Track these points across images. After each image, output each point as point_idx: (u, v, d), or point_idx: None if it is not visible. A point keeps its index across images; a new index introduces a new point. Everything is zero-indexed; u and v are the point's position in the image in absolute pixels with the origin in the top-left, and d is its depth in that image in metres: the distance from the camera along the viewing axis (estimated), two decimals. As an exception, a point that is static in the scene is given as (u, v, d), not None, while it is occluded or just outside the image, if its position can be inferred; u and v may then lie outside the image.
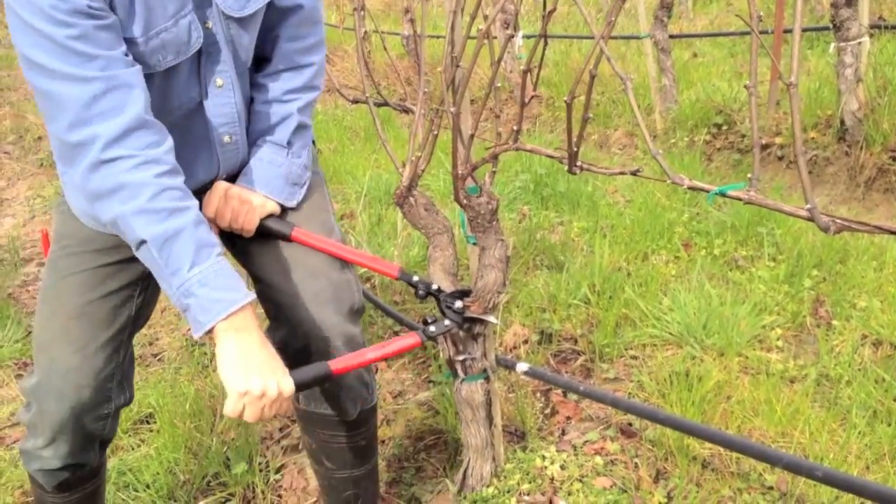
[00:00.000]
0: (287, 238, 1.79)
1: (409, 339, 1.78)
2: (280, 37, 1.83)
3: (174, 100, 1.65)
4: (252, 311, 1.54)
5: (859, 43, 4.23)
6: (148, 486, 2.47)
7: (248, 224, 1.78)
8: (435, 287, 1.88)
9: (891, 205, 4.09)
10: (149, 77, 1.55)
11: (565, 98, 1.55)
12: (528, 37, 6.64)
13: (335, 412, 1.88)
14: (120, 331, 1.77)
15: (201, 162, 1.75)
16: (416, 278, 1.88)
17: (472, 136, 1.81)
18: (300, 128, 1.85)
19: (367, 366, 1.79)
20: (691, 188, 1.56)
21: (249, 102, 1.84)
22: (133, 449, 2.71)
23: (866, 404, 2.47)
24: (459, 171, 1.83)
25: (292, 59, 1.86)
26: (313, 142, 2.01)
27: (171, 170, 1.51)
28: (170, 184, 1.49)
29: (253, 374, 1.49)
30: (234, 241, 1.86)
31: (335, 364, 1.65)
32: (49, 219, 5.26)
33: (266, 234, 1.81)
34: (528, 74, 1.72)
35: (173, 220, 1.47)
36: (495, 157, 1.85)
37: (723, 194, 1.52)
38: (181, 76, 1.64)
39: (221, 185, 1.79)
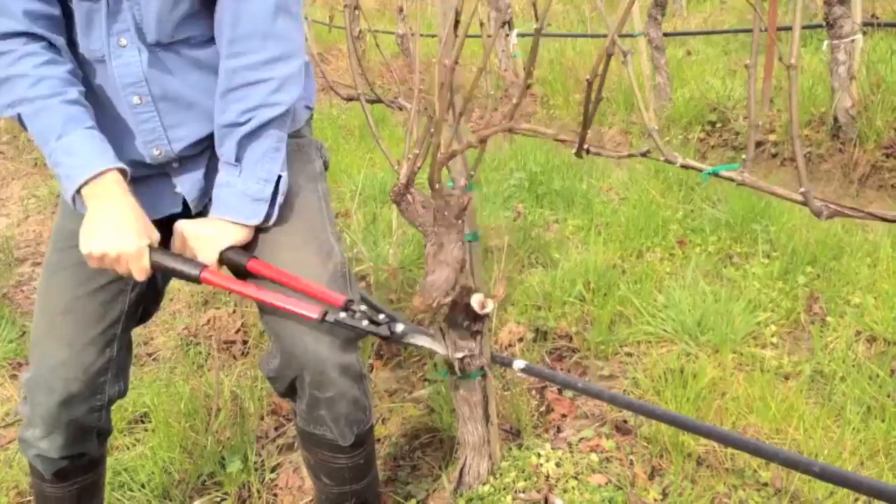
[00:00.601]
0: (244, 270, 1.71)
1: (312, 307, 1.66)
2: (222, 52, 1.68)
3: (93, 41, 1.64)
4: (117, 178, 1.59)
5: (852, 40, 4.25)
6: (143, 486, 2.47)
7: (207, 259, 1.70)
8: (381, 316, 1.75)
9: (884, 201, 4.10)
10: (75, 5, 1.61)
11: (587, 77, 1.52)
12: (522, 35, 6.65)
13: (334, 436, 1.84)
14: (111, 325, 1.77)
15: (121, 130, 1.71)
16: (363, 307, 1.73)
17: (461, 115, 1.76)
18: (246, 138, 1.70)
19: (345, 370, 1.73)
20: (684, 167, 1.56)
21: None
22: (128, 448, 2.71)
23: (860, 400, 2.48)
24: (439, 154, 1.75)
25: (241, 76, 1.66)
26: (320, 150, 1.97)
27: (50, 60, 1.59)
28: (48, 73, 1.58)
29: (97, 237, 1.57)
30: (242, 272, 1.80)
31: (206, 274, 1.65)
32: (43, 218, 5.25)
33: (234, 268, 1.73)
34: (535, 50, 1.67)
35: (47, 101, 1.57)
36: (483, 140, 1.80)
37: (716, 174, 1.52)
38: (97, 19, 1.62)
39: (178, 225, 1.72)
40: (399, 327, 1.76)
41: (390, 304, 3.38)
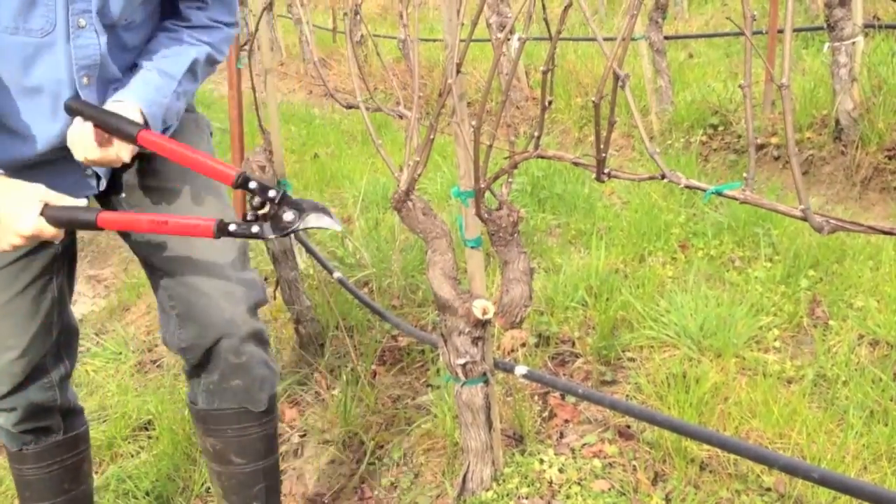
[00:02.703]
0: (133, 139, 1.66)
1: (202, 223, 1.62)
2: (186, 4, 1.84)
3: (34, 19, 1.59)
4: None
5: (853, 43, 4.24)
6: (147, 493, 2.48)
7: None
8: (272, 193, 1.63)
9: (887, 204, 4.10)
10: None
11: (593, 98, 1.53)
12: (521, 39, 6.64)
13: (246, 405, 1.88)
14: (47, 315, 1.84)
15: (41, 111, 1.68)
16: (253, 185, 1.65)
17: (490, 147, 1.78)
18: (179, 52, 1.82)
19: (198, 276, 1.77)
20: (688, 187, 1.57)
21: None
22: (132, 456, 2.72)
23: (863, 404, 2.48)
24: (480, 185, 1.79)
25: (202, 21, 1.86)
26: (209, 126, 2.04)
27: None
28: None
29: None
30: (133, 234, 1.84)
31: (105, 217, 1.61)
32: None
33: (117, 137, 1.68)
34: (546, 76, 1.69)
35: None
36: (515, 166, 1.84)
37: (719, 194, 1.53)
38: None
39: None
40: (289, 215, 1.64)
41: (393, 310, 3.39)
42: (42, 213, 1.55)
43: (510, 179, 1.91)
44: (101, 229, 1.64)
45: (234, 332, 1.80)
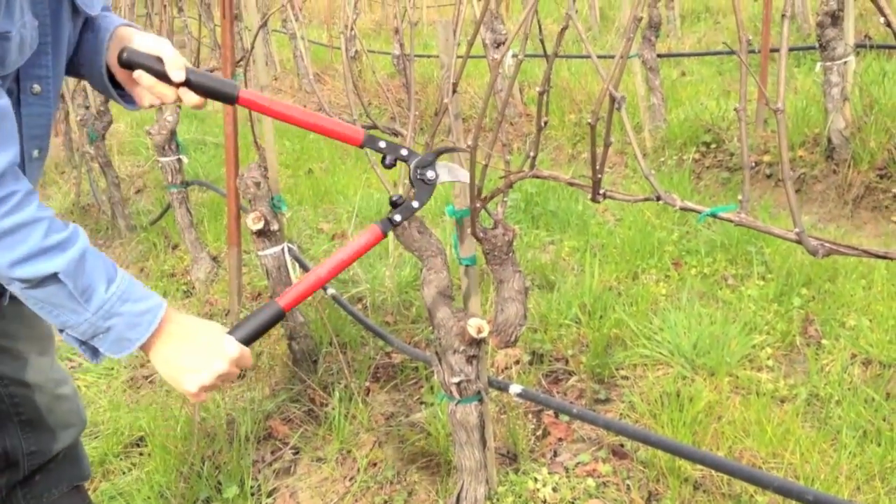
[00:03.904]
0: (234, 99, 1.59)
1: (369, 235, 1.60)
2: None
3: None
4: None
5: (845, 62, 4.27)
6: (139, 511, 2.46)
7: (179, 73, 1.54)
8: (404, 152, 1.66)
9: (878, 223, 4.12)
10: None
11: (589, 121, 1.54)
12: (516, 56, 6.67)
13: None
14: None
15: None
16: (382, 143, 1.65)
17: (485, 167, 1.78)
18: None
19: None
20: (683, 209, 1.57)
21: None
22: (124, 473, 2.70)
23: (856, 424, 2.48)
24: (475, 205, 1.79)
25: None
26: None
27: (36, 195, 1.33)
28: (51, 212, 1.32)
29: (198, 370, 1.42)
30: None
31: (286, 299, 1.54)
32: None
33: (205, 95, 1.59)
34: (542, 97, 1.70)
35: (75, 246, 1.31)
36: (511, 185, 1.84)
37: (714, 216, 1.53)
38: (5, 83, 1.38)
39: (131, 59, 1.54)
40: (430, 173, 1.66)
41: (387, 327, 3.38)
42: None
43: (505, 198, 1.92)
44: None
45: (75, 442, 2.00)
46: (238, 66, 3.33)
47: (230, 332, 1.47)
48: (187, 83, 1.54)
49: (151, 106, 1.60)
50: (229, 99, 1.58)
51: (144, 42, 1.56)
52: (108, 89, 1.63)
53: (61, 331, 1.38)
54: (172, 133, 4.11)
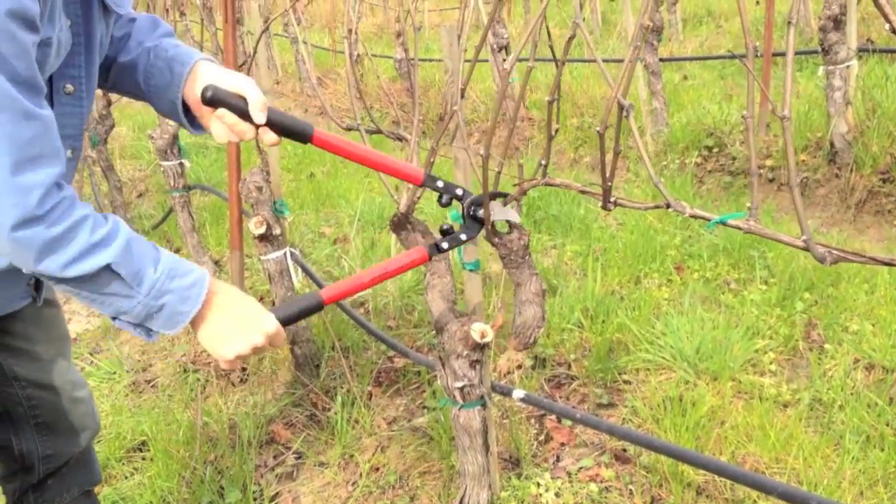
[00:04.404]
0: (309, 138, 1.62)
1: (415, 255, 1.68)
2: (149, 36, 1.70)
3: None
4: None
5: (848, 66, 4.27)
6: (141, 516, 2.46)
7: (260, 111, 1.56)
8: (459, 192, 1.74)
9: (881, 227, 4.11)
10: None
11: (598, 129, 1.54)
12: (520, 60, 6.68)
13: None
14: None
15: None
16: (440, 183, 1.73)
17: (498, 174, 1.80)
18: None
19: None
20: (693, 216, 1.57)
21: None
22: (126, 478, 2.70)
23: (859, 429, 2.48)
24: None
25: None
26: None
27: (76, 196, 1.36)
28: (90, 207, 1.36)
29: (238, 340, 1.47)
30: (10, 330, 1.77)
31: (328, 292, 1.60)
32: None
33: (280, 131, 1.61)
34: (552, 105, 1.71)
35: (119, 235, 1.36)
36: (524, 193, 1.86)
37: (723, 223, 1.54)
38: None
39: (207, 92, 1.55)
40: (481, 212, 1.75)
41: (389, 331, 3.38)
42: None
43: (520, 203, 1.92)
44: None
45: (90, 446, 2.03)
46: (240, 70, 3.33)
47: (271, 311, 1.53)
48: (267, 123, 1.57)
49: (229, 141, 1.64)
50: (305, 138, 1.62)
51: (230, 81, 1.57)
52: (180, 118, 1.66)
53: (114, 318, 1.42)
54: (174, 137, 4.11)
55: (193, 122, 1.67)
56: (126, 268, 1.35)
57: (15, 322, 1.74)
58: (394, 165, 1.72)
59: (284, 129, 1.59)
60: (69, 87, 1.49)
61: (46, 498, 1.94)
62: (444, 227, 1.73)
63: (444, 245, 1.71)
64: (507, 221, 1.87)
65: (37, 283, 1.70)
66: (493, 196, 1.76)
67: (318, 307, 1.59)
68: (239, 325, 1.48)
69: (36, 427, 1.85)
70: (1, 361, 1.76)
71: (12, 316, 1.70)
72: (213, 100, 1.55)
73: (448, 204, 1.75)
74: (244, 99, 1.54)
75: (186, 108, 1.64)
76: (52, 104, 1.45)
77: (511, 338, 1.89)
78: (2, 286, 1.61)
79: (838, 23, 4.21)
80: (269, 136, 1.58)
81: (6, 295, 1.63)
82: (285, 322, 1.54)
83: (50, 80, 1.44)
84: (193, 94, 1.60)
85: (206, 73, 1.60)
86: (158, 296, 1.39)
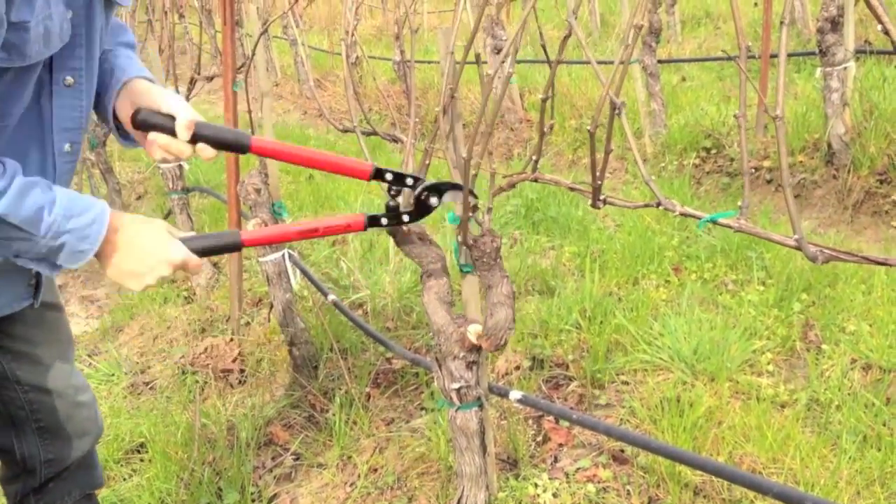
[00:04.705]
0: (247, 148, 1.62)
1: (350, 219, 1.68)
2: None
3: (21, 100, 1.44)
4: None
5: (845, 68, 4.28)
6: (140, 517, 2.46)
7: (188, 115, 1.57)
8: (410, 181, 1.72)
9: (878, 228, 4.12)
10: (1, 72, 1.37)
11: (588, 128, 1.55)
12: (519, 62, 6.69)
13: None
14: None
15: (31, 174, 1.45)
16: (389, 175, 1.70)
17: (475, 176, 1.81)
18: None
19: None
20: (683, 215, 1.58)
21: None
22: (125, 479, 2.71)
23: (856, 429, 2.48)
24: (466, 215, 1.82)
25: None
26: None
27: None
28: None
29: (142, 275, 1.49)
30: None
31: (249, 235, 1.60)
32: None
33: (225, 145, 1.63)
34: (545, 103, 1.72)
35: (13, 185, 1.34)
36: (513, 186, 1.87)
37: (714, 222, 1.54)
38: (33, 74, 1.42)
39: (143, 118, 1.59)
40: (433, 200, 1.75)
41: (387, 333, 3.39)
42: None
43: (490, 205, 1.94)
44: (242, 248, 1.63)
45: (91, 449, 2.02)
46: (239, 73, 3.34)
47: (184, 239, 1.53)
48: (202, 138, 1.57)
49: (164, 161, 1.65)
50: (243, 148, 1.62)
51: (161, 101, 1.58)
52: (111, 127, 1.68)
53: (16, 257, 1.42)
54: (173, 139, 4.11)
55: (126, 135, 1.69)
56: (19, 216, 1.34)
57: (16, 325, 1.74)
58: (342, 163, 1.71)
59: (219, 142, 1.60)
60: (69, 80, 1.49)
61: (48, 501, 1.93)
62: (391, 203, 1.72)
63: (384, 221, 1.71)
64: (479, 224, 1.89)
65: (36, 284, 1.70)
66: (452, 186, 1.76)
67: (235, 246, 1.60)
68: (144, 259, 1.48)
69: (38, 431, 1.84)
70: (3, 365, 1.76)
71: (14, 319, 1.71)
72: (144, 124, 1.57)
73: (398, 195, 1.73)
74: (173, 118, 1.55)
75: (120, 121, 1.65)
76: (50, 96, 1.47)
77: (484, 338, 1.90)
78: (3, 284, 1.61)
79: (836, 24, 4.22)
80: (206, 152, 1.59)
81: (7, 294, 1.63)
82: (199, 254, 1.55)
83: (50, 72, 1.45)
84: (125, 109, 1.62)
85: (138, 92, 1.62)
86: (56, 236, 1.40)
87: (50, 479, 1.91)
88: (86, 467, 2.00)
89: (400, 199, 1.71)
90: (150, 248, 1.49)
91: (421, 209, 1.73)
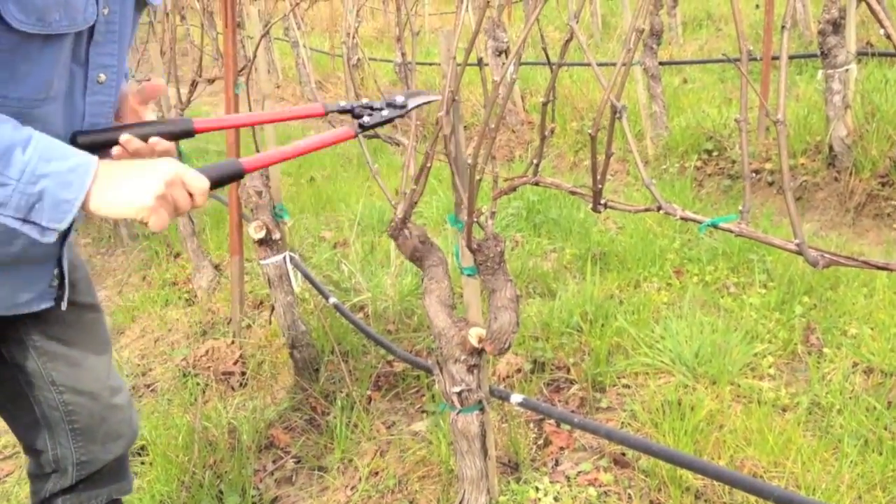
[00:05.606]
0: (193, 132, 1.60)
1: (341, 132, 1.68)
2: None
3: (50, 81, 1.38)
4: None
5: (847, 70, 4.28)
6: (140, 520, 2.46)
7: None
8: (373, 102, 1.73)
9: (880, 230, 4.11)
10: (28, 38, 1.30)
11: (590, 131, 1.55)
12: (520, 64, 6.68)
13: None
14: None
15: None
16: (342, 103, 1.71)
17: (479, 181, 1.80)
18: None
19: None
20: (684, 219, 1.57)
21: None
22: (125, 482, 2.70)
23: (858, 433, 2.48)
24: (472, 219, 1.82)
25: None
26: None
27: None
28: None
29: (134, 191, 1.32)
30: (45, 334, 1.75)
31: (250, 162, 1.55)
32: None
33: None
34: (546, 107, 1.71)
35: None
36: (514, 189, 1.87)
37: (714, 226, 1.54)
38: (62, 54, 1.37)
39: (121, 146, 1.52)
40: (399, 98, 1.76)
41: (388, 335, 3.38)
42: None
43: (493, 209, 1.93)
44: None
45: (123, 454, 1.97)
46: (240, 75, 3.34)
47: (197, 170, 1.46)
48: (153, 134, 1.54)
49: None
50: (190, 133, 1.61)
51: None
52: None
53: None
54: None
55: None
56: None
57: (54, 326, 1.73)
58: (291, 113, 1.73)
59: (167, 134, 1.57)
60: (102, 77, 1.48)
61: (73, 501, 1.91)
62: (364, 122, 1.72)
63: (366, 119, 1.71)
64: (483, 228, 1.89)
65: (60, 284, 1.67)
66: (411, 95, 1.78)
67: (238, 174, 1.52)
68: (129, 176, 1.35)
69: (72, 433, 1.82)
70: (39, 365, 1.74)
71: (51, 319, 1.70)
72: (90, 146, 1.48)
73: (360, 116, 1.72)
74: (119, 128, 1.52)
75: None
76: (84, 91, 1.46)
77: (487, 342, 1.90)
78: (22, 280, 1.58)
79: (837, 26, 4.22)
80: (162, 145, 1.53)
81: (27, 291, 1.60)
82: (214, 183, 1.47)
83: (85, 69, 1.44)
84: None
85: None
86: (34, 181, 1.25)
87: (81, 480, 1.89)
88: (117, 472, 1.97)
89: (367, 119, 1.71)
90: (136, 169, 1.36)
91: (393, 110, 1.74)
